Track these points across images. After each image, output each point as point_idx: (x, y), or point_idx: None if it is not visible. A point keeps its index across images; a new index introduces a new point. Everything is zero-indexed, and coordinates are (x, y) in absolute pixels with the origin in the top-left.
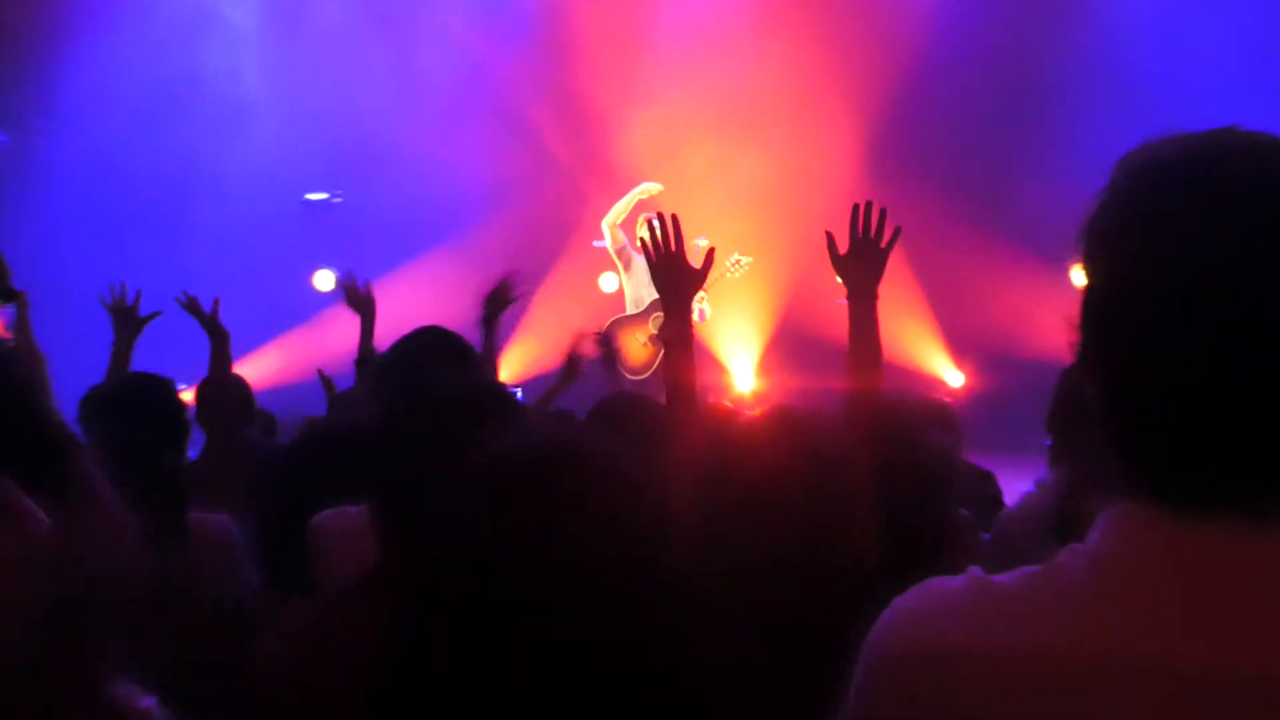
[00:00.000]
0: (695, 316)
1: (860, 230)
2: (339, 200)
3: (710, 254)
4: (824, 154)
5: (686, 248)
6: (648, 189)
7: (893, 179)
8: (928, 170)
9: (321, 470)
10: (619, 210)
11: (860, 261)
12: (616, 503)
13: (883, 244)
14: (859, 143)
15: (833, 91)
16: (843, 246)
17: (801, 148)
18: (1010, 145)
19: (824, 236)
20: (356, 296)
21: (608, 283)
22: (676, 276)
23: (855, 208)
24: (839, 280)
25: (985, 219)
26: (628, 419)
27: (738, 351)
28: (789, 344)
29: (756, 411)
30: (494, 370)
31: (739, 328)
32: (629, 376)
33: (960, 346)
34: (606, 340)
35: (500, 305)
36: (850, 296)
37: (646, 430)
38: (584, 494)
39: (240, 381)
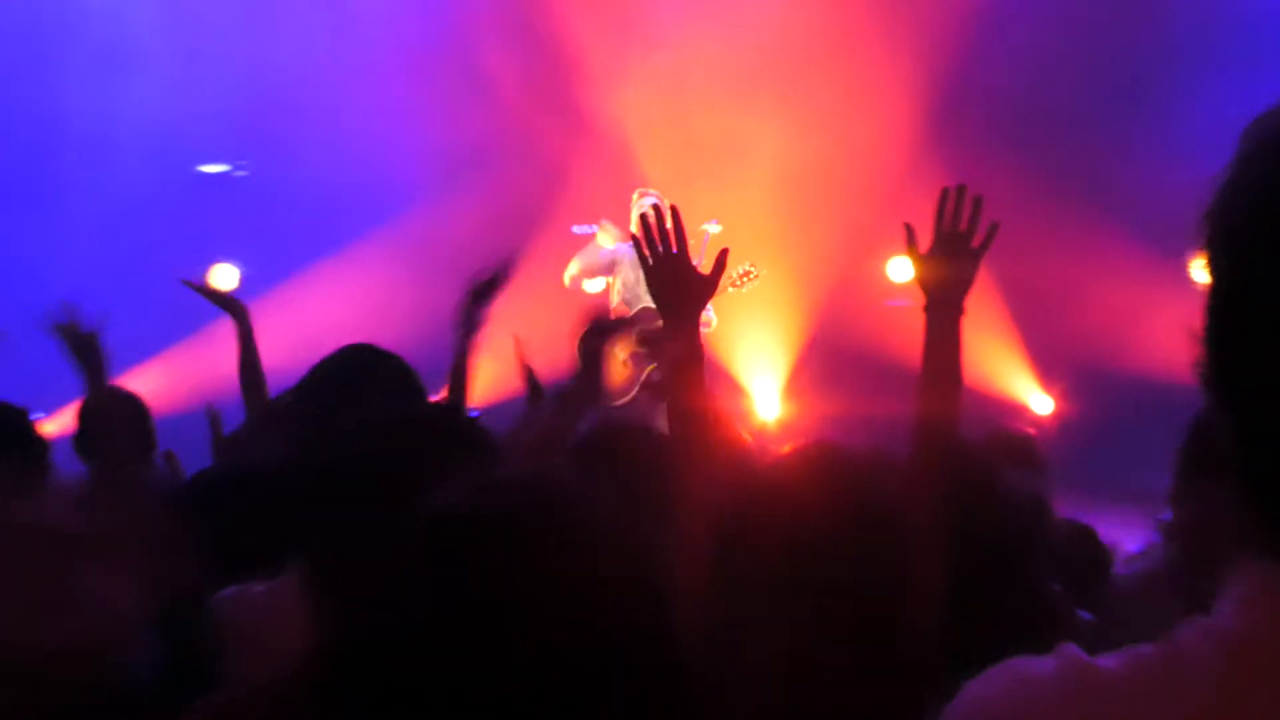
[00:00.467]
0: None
1: (948, 224)
2: (243, 175)
3: (722, 257)
4: (871, 122)
5: (692, 239)
6: (606, 234)
7: (961, 154)
8: (1005, 143)
9: (214, 531)
10: (576, 268)
11: (947, 264)
12: (605, 569)
13: (975, 243)
14: (917, 108)
15: (884, 41)
16: (923, 244)
17: (843, 113)
18: (1112, 110)
19: (868, 227)
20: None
21: (592, 281)
22: (679, 283)
23: (944, 194)
24: (920, 286)
25: (1080, 203)
26: (622, 457)
27: (760, 369)
28: (824, 360)
29: (787, 448)
30: (462, 393)
31: (761, 340)
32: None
33: (1048, 363)
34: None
35: (489, 296)
36: (930, 307)
37: (646, 472)
38: (562, 558)
39: (131, 398)
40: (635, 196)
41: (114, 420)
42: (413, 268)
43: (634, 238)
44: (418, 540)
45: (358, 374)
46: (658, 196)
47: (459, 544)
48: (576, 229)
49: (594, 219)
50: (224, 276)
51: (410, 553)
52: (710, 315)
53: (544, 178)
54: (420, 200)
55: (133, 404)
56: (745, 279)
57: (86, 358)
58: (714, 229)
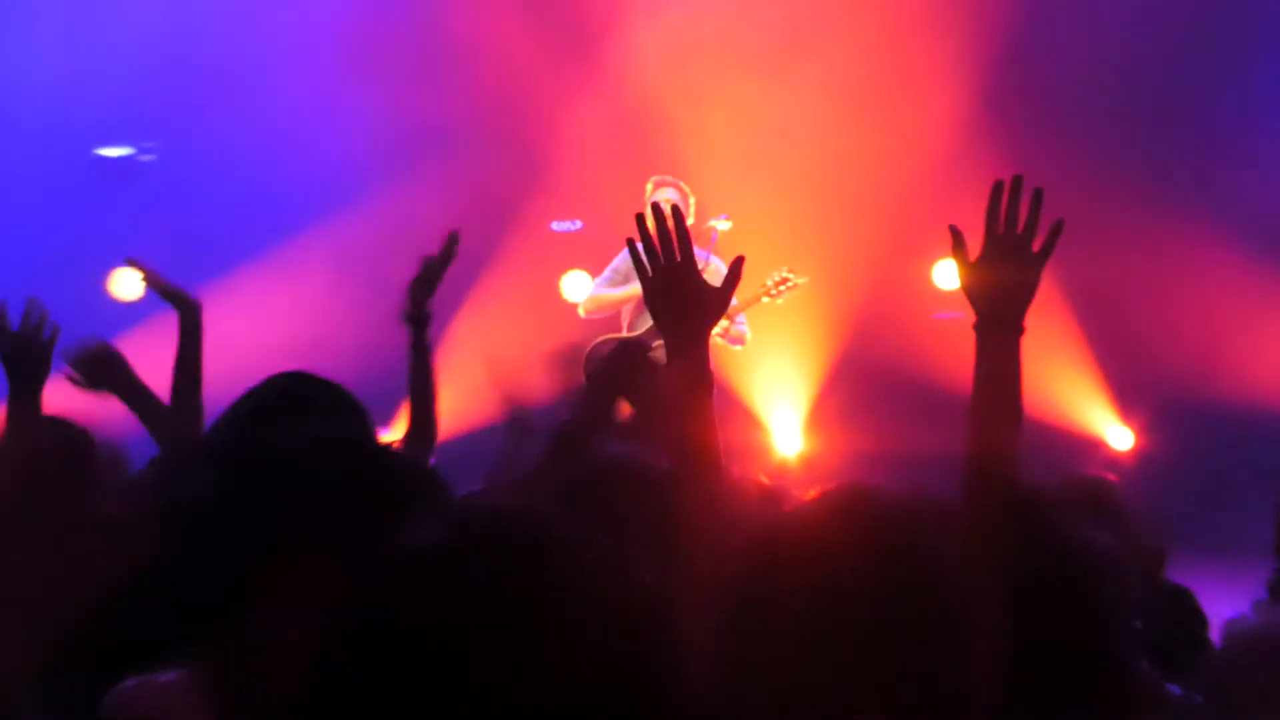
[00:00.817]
0: (730, 342)
1: (1003, 224)
2: (150, 159)
3: (736, 266)
4: (914, 103)
5: (697, 243)
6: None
7: (1018, 141)
8: (1071, 128)
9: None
10: (593, 303)
11: (1002, 273)
12: (600, 618)
13: (1036, 246)
14: (967, 87)
15: (931, 12)
16: (973, 248)
17: (881, 93)
18: (1198, 89)
19: (910, 225)
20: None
21: (575, 287)
22: (682, 298)
23: (997, 188)
24: (970, 299)
25: (1162, 199)
26: (615, 500)
27: (778, 396)
28: (856, 384)
29: (811, 492)
30: (429, 418)
31: (780, 361)
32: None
33: (1127, 390)
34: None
35: (431, 286)
36: (982, 325)
37: (644, 517)
38: (548, 603)
39: (68, 431)
40: (650, 186)
41: (39, 462)
42: (358, 275)
43: (629, 244)
44: (373, 588)
45: (291, 408)
46: (677, 186)
47: (425, 589)
48: (557, 226)
49: (579, 214)
50: (125, 283)
51: (365, 602)
52: (744, 329)
53: (520, 165)
54: (368, 192)
55: (69, 440)
56: (781, 287)
57: (22, 366)
58: (723, 225)
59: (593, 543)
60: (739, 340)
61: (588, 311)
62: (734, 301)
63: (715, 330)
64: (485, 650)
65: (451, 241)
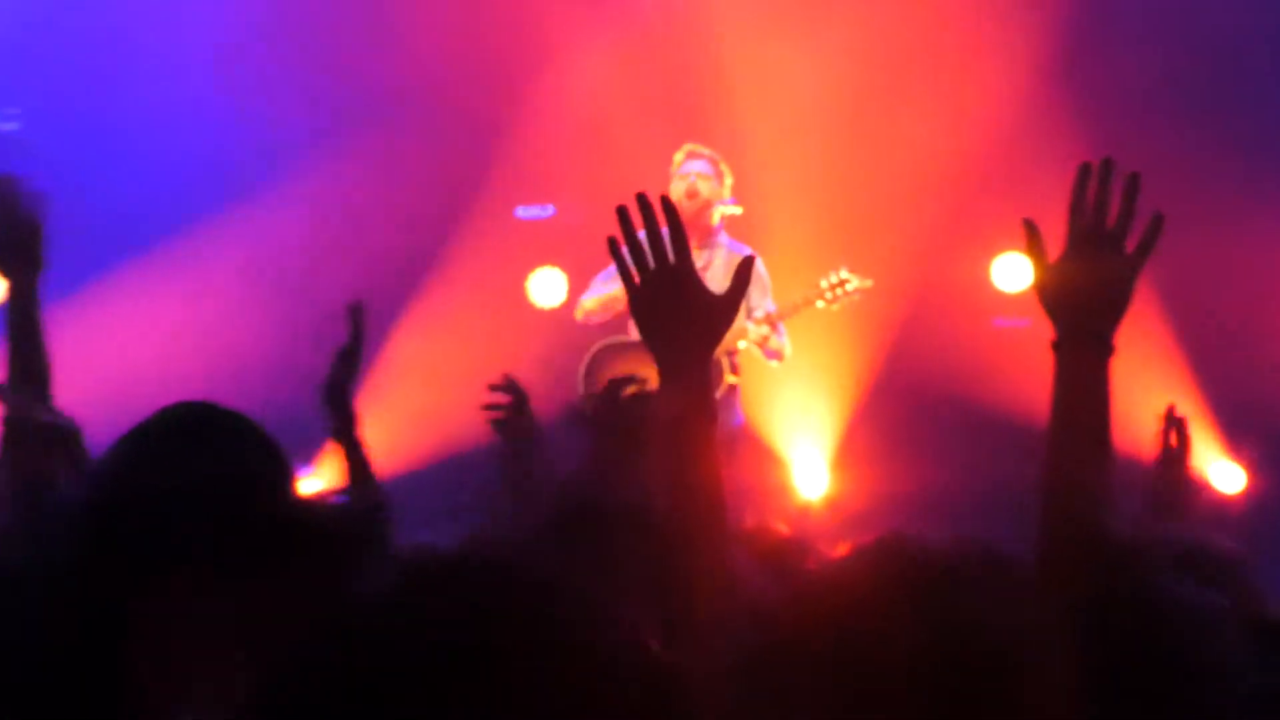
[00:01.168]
0: (767, 356)
1: (1090, 217)
2: (12, 127)
3: (745, 268)
4: (976, 67)
5: (698, 239)
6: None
7: (1102, 119)
8: (1170, 99)
9: None
10: (592, 301)
11: (1090, 277)
12: (586, 679)
13: (1131, 245)
14: (1041, 45)
15: None
16: (1051, 247)
17: (931, 58)
18: None
19: (967, 215)
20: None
21: (546, 288)
22: (679, 308)
23: (1083, 172)
24: (1048, 309)
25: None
26: (606, 548)
27: (802, 426)
28: (897, 411)
29: (842, 545)
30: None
31: (803, 385)
32: None
33: (1238, 420)
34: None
35: (348, 385)
36: (1063, 342)
37: (640, 570)
38: (524, 665)
39: None
40: (679, 158)
41: None
42: (274, 278)
43: (610, 243)
44: (315, 652)
45: (188, 446)
46: (712, 161)
47: (378, 646)
48: (523, 212)
49: (551, 198)
50: None
51: (307, 666)
52: (784, 341)
53: (478, 137)
54: (287, 172)
55: None
56: (838, 291)
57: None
58: (731, 210)
59: (579, 591)
60: (777, 355)
61: (586, 314)
62: (771, 307)
63: (752, 339)
64: (449, 711)
65: (356, 315)
